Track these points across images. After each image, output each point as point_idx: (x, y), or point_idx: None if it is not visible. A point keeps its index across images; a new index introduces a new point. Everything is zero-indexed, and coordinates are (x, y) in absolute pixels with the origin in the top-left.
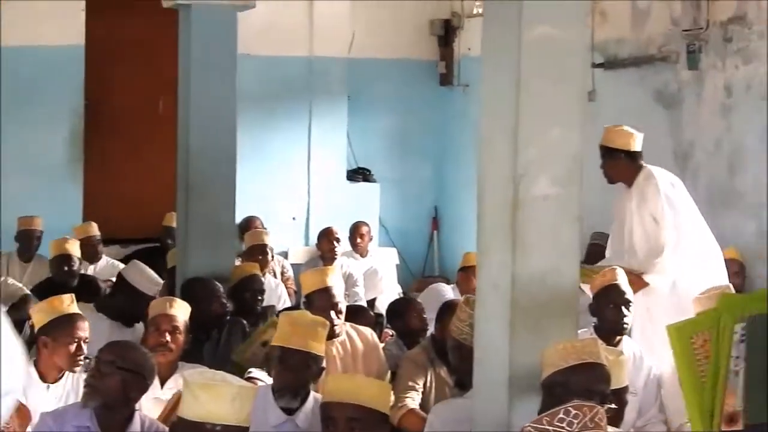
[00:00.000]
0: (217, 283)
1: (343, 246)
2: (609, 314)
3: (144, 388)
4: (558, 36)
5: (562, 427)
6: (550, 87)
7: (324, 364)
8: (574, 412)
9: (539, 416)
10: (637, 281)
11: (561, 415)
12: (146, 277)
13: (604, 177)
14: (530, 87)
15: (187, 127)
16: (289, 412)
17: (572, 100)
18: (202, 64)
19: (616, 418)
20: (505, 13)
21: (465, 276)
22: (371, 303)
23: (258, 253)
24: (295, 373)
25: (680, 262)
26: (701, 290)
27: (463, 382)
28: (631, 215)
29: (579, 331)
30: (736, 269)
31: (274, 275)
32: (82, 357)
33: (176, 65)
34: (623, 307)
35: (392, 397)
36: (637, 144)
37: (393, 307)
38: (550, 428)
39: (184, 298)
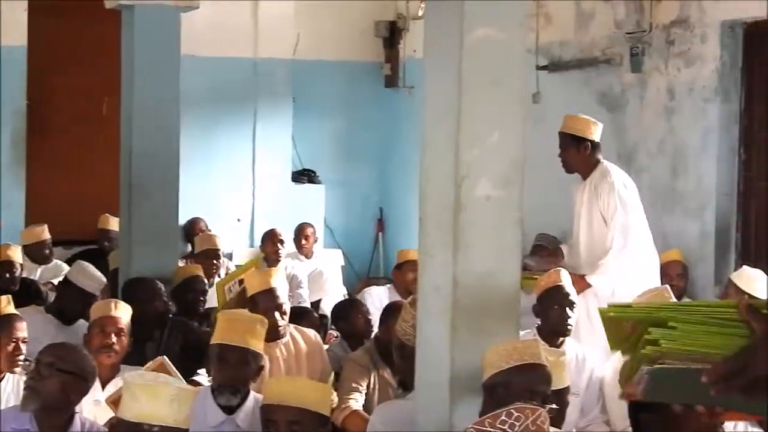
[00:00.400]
0: (159, 283)
1: (288, 248)
2: (553, 315)
3: (84, 391)
4: (499, 38)
5: (504, 429)
6: (491, 89)
7: (263, 362)
8: (516, 414)
9: (481, 418)
10: (580, 282)
11: (503, 417)
12: (90, 277)
13: (562, 166)
14: (471, 89)
15: (130, 128)
16: (229, 411)
17: (513, 102)
18: (145, 65)
19: (557, 419)
20: (447, 15)
21: (399, 273)
22: (316, 304)
23: (211, 256)
24: (234, 369)
25: (624, 266)
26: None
27: (406, 383)
28: (579, 208)
29: (521, 333)
30: (680, 271)
31: (219, 277)
32: (21, 358)
33: (120, 66)
34: (568, 309)
35: (335, 399)
36: (599, 134)
37: (337, 308)
38: (492, 430)
39: (125, 299)
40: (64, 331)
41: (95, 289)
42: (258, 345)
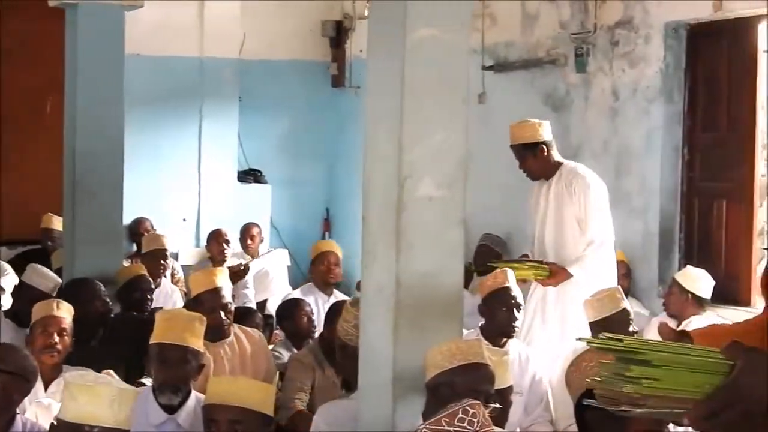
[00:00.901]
0: (98, 283)
1: (234, 248)
2: (501, 317)
3: (26, 391)
4: (442, 38)
5: (464, 427)
6: (434, 89)
7: (203, 360)
8: (472, 411)
9: (436, 417)
10: (561, 273)
11: (461, 415)
12: (44, 276)
13: (528, 176)
14: (415, 89)
15: (74, 127)
16: (171, 411)
17: (457, 102)
18: (88, 64)
19: (500, 418)
20: (390, 15)
21: (314, 267)
22: (262, 305)
23: (158, 256)
24: (174, 368)
25: (600, 261)
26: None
27: (349, 383)
28: (545, 209)
29: (465, 332)
30: (624, 271)
31: (165, 277)
32: None
33: (64, 65)
34: (515, 310)
35: (280, 399)
36: (549, 132)
37: (282, 308)
38: (452, 429)
39: (65, 299)
40: (22, 333)
41: (51, 289)
42: (197, 343)
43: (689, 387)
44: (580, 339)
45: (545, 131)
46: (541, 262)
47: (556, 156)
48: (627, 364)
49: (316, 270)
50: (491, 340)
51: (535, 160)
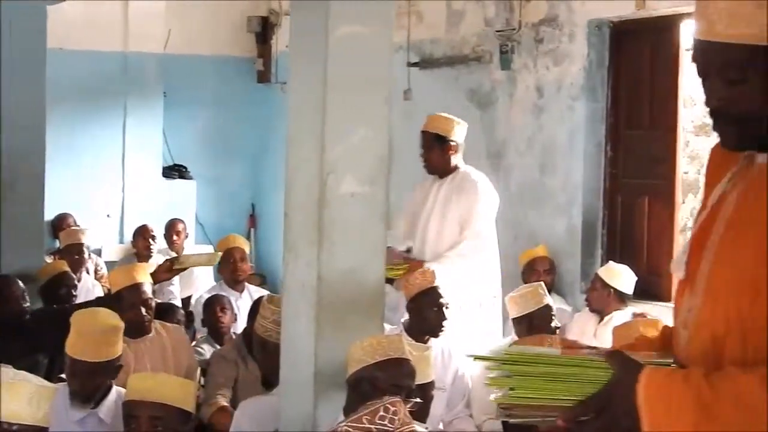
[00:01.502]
0: (15, 279)
1: (159, 243)
2: (431, 316)
3: None
4: (365, 35)
5: (385, 425)
6: (357, 86)
7: (120, 362)
8: (393, 409)
9: (357, 415)
10: (415, 265)
11: (381, 413)
12: None
13: (424, 166)
14: (337, 86)
15: None
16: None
17: (380, 99)
18: (10, 59)
19: (421, 413)
20: (313, 12)
21: (221, 265)
22: (187, 301)
23: (74, 252)
24: (86, 381)
25: (462, 269)
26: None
27: (268, 380)
28: (432, 206)
29: (387, 328)
30: (547, 267)
31: (88, 273)
32: None
33: None
34: (444, 310)
35: (202, 395)
36: (463, 135)
37: (205, 304)
38: (373, 427)
39: None
40: None
41: None
42: (112, 351)
43: (563, 396)
44: (468, 356)
45: (459, 132)
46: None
47: (459, 160)
48: (506, 375)
49: (224, 269)
50: (416, 337)
51: (439, 154)
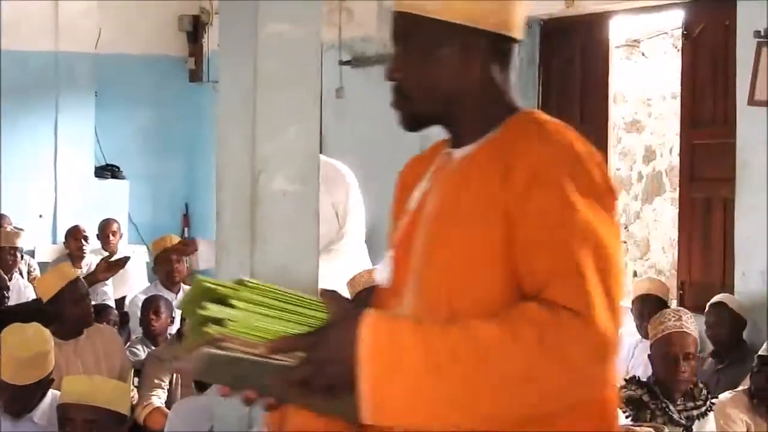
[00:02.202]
0: None
1: (92, 244)
2: None
3: None
4: (294, 34)
5: None
6: (287, 84)
7: (51, 375)
8: None
9: None
10: None
11: None
12: None
13: None
14: (267, 84)
15: None
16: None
17: (309, 97)
18: None
19: None
20: (242, 11)
21: (157, 265)
22: (120, 301)
23: (7, 254)
24: (21, 399)
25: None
26: None
27: (201, 383)
28: None
29: None
30: None
31: (21, 275)
32: None
33: None
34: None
35: (136, 396)
36: None
37: (142, 306)
38: None
39: None
40: None
41: None
42: (43, 372)
43: (267, 334)
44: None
45: None
46: None
47: None
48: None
49: (160, 269)
50: None
51: None
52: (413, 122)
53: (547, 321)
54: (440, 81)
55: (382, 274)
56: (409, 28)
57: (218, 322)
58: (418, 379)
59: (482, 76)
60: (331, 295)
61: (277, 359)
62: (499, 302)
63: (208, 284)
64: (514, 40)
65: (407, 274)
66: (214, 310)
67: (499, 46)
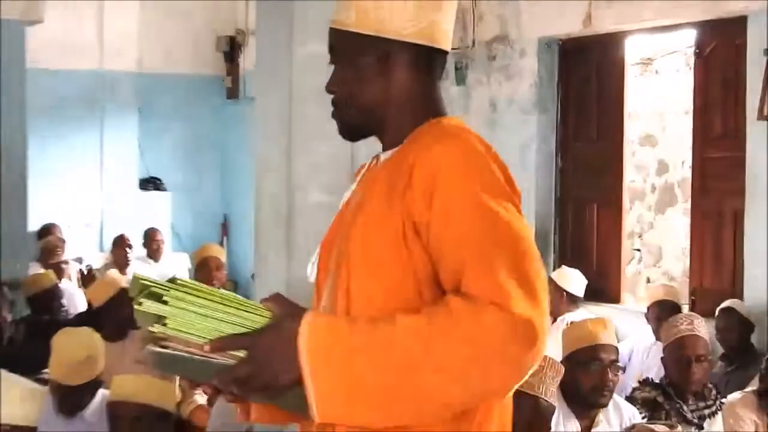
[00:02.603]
0: (2, 286)
1: (137, 251)
2: None
3: None
4: (326, 53)
5: None
6: (320, 101)
7: (101, 377)
8: None
9: None
10: None
11: None
12: None
13: None
14: (301, 101)
15: None
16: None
17: None
18: None
19: None
20: (277, 32)
21: (198, 273)
22: None
23: (56, 265)
24: (72, 399)
25: None
26: None
27: None
28: None
29: None
30: None
31: (70, 279)
32: None
33: None
34: None
35: (179, 394)
36: None
37: None
38: None
39: None
40: None
41: None
42: (93, 372)
43: (215, 334)
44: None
45: None
46: None
47: None
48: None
49: (200, 276)
50: None
51: None
52: (348, 132)
53: (464, 311)
54: (363, 91)
55: (310, 272)
56: (335, 43)
57: (159, 319)
58: (354, 374)
59: (402, 86)
60: (274, 297)
61: (218, 358)
62: (404, 299)
63: (144, 281)
64: (436, 51)
65: (326, 272)
66: (147, 305)
67: (420, 56)
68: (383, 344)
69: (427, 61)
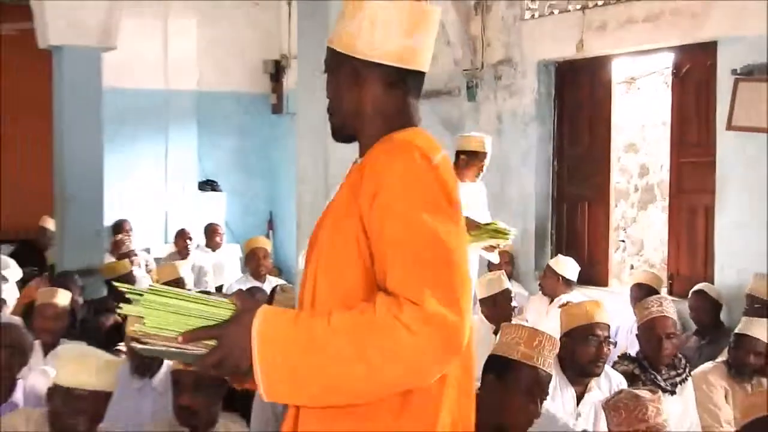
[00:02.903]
0: (75, 275)
1: (195, 243)
2: None
3: (24, 362)
4: None
5: None
6: None
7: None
8: None
9: None
10: None
11: None
12: None
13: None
14: None
15: (62, 148)
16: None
17: None
18: (72, 96)
19: None
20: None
21: (247, 262)
22: (219, 289)
23: (126, 256)
24: (146, 367)
25: None
26: None
27: None
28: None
29: None
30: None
31: (139, 267)
32: None
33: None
34: None
35: None
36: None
37: (246, 292)
38: None
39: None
40: None
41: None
42: None
43: (174, 327)
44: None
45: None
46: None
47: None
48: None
49: (250, 264)
50: None
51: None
52: (337, 134)
53: (384, 309)
54: (342, 99)
55: (299, 264)
56: (326, 57)
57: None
58: (293, 361)
59: (372, 98)
60: (237, 294)
61: (191, 348)
62: (359, 293)
63: (123, 289)
64: (408, 70)
65: (307, 269)
66: (126, 308)
67: (390, 74)
68: (316, 336)
69: (398, 78)
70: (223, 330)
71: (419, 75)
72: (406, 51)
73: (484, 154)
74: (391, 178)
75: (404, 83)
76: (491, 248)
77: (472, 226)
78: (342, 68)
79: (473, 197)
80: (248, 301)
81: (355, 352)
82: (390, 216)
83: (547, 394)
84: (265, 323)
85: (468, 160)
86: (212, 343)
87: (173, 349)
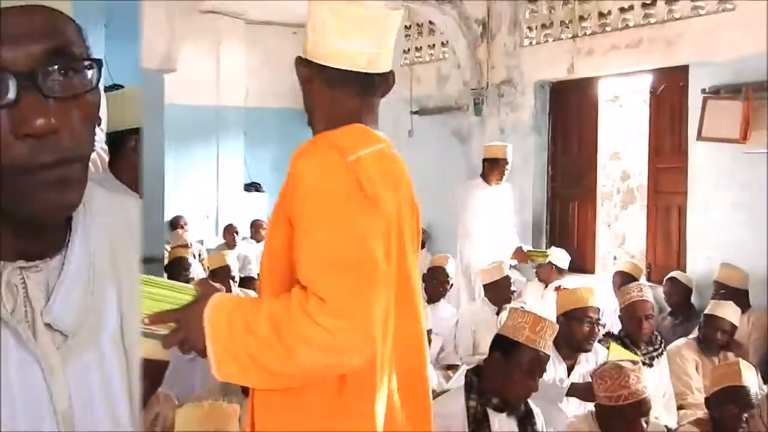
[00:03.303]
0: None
1: (241, 236)
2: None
3: None
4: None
5: None
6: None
7: None
8: None
9: None
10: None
11: None
12: None
13: (493, 179)
14: None
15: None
16: None
17: (394, 137)
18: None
19: None
20: None
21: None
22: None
23: (180, 244)
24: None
25: None
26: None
27: None
28: (491, 206)
29: None
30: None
31: (194, 257)
32: None
33: None
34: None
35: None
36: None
37: None
38: None
39: None
40: None
41: None
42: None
43: (145, 310)
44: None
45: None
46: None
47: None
48: None
49: None
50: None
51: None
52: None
53: (297, 301)
54: (304, 101)
55: None
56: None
57: None
58: (236, 345)
59: (320, 97)
60: (200, 281)
61: (157, 330)
62: (292, 279)
63: None
64: (351, 71)
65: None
66: None
67: (334, 75)
68: (249, 322)
69: (341, 78)
70: (180, 314)
71: (363, 75)
72: (341, 52)
73: (504, 161)
74: (304, 175)
75: (353, 83)
76: (530, 261)
77: (523, 253)
78: (298, 69)
79: (498, 199)
80: (207, 288)
81: (275, 337)
82: (301, 212)
83: (545, 371)
84: (213, 309)
85: (490, 166)
86: (174, 325)
87: (145, 330)
